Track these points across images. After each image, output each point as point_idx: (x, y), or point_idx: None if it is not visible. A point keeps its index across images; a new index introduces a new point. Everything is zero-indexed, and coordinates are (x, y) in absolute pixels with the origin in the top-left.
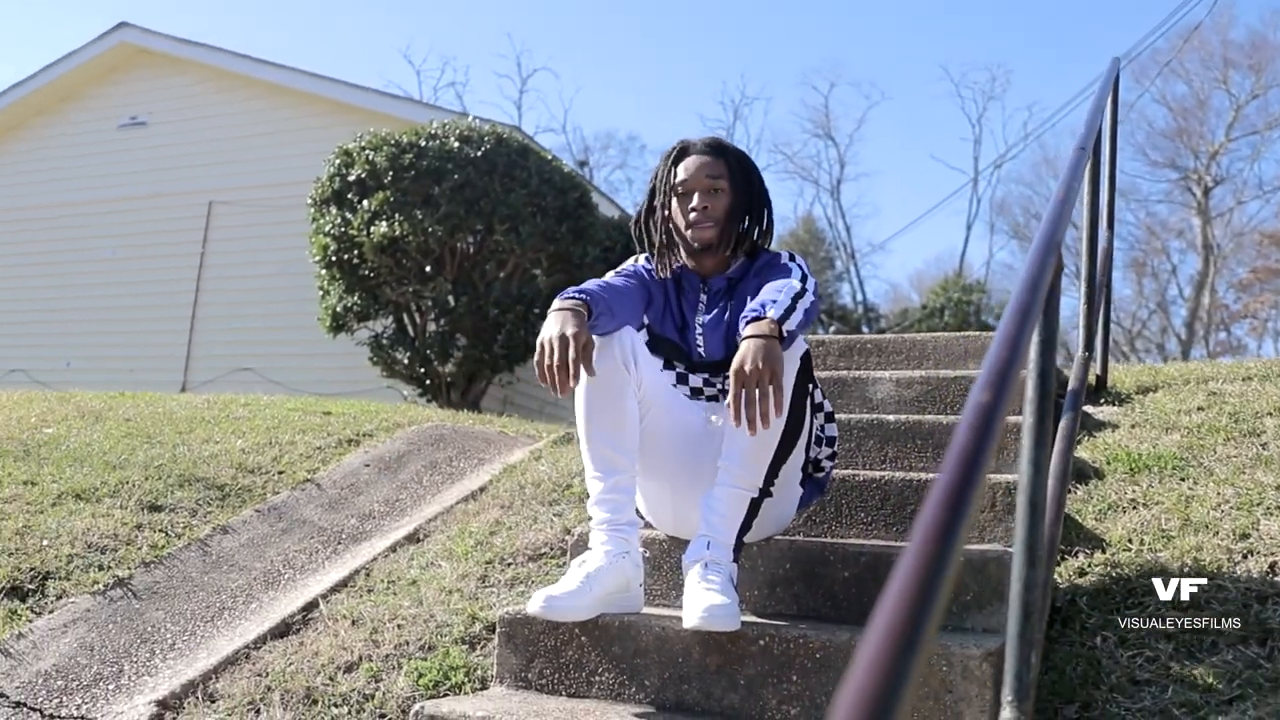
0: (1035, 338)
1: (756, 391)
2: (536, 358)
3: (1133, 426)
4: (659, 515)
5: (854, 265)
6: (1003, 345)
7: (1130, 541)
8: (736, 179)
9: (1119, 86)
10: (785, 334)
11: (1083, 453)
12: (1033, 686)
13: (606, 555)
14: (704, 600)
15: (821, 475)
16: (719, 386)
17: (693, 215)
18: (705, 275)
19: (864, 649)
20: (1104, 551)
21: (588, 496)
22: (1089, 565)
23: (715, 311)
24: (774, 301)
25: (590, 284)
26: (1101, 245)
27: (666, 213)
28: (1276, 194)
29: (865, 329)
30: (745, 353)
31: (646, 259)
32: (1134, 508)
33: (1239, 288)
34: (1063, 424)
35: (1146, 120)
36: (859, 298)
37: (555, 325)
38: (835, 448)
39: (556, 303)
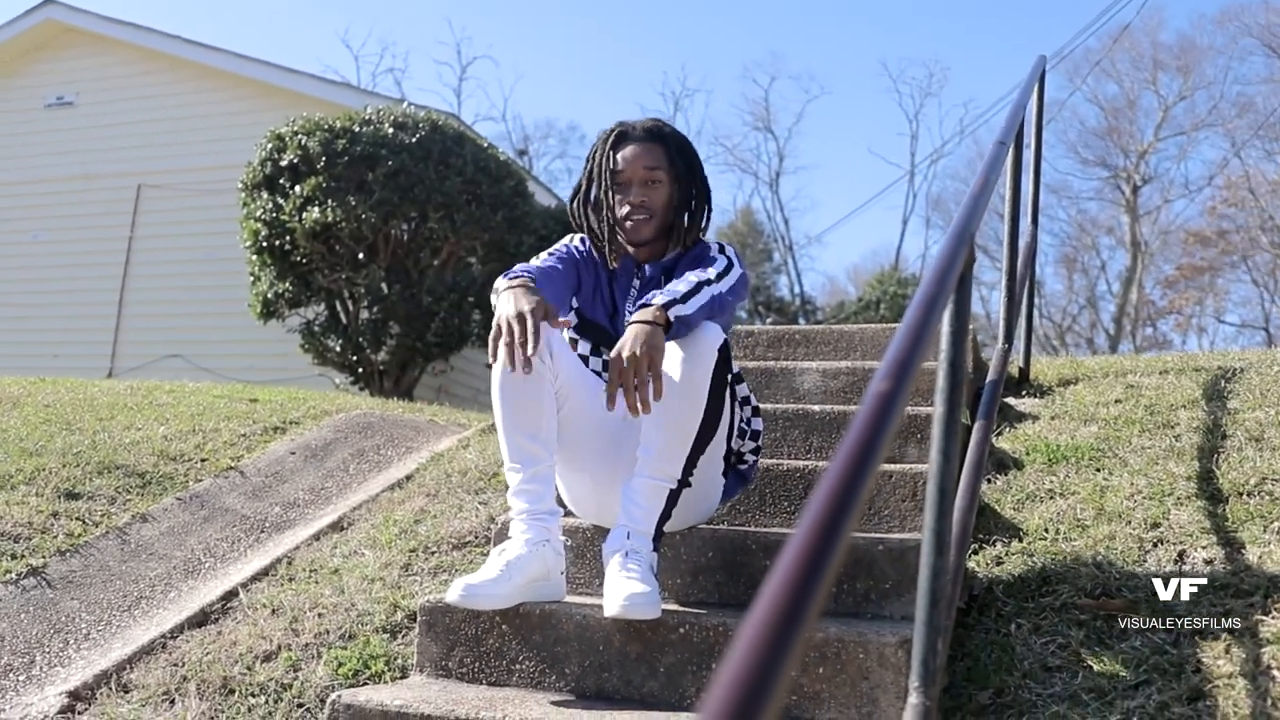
0: (946, 328)
1: (635, 379)
2: (494, 336)
3: (1053, 418)
4: (581, 504)
5: (791, 257)
6: (906, 335)
7: (1046, 531)
8: (677, 168)
9: (1044, 84)
10: (673, 319)
11: (1004, 443)
12: (940, 672)
13: (527, 544)
14: (624, 589)
15: (745, 467)
16: None
17: (628, 209)
18: (640, 261)
19: (742, 634)
20: (1021, 540)
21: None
22: (1006, 554)
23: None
24: (673, 290)
25: (526, 265)
26: (1024, 240)
27: (608, 200)
28: (1201, 193)
29: (802, 321)
30: (625, 339)
31: (581, 240)
32: (1051, 497)
33: (1165, 284)
34: (980, 413)
35: (1079, 118)
36: (796, 290)
37: (510, 304)
38: (760, 441)
39: (503, 282)
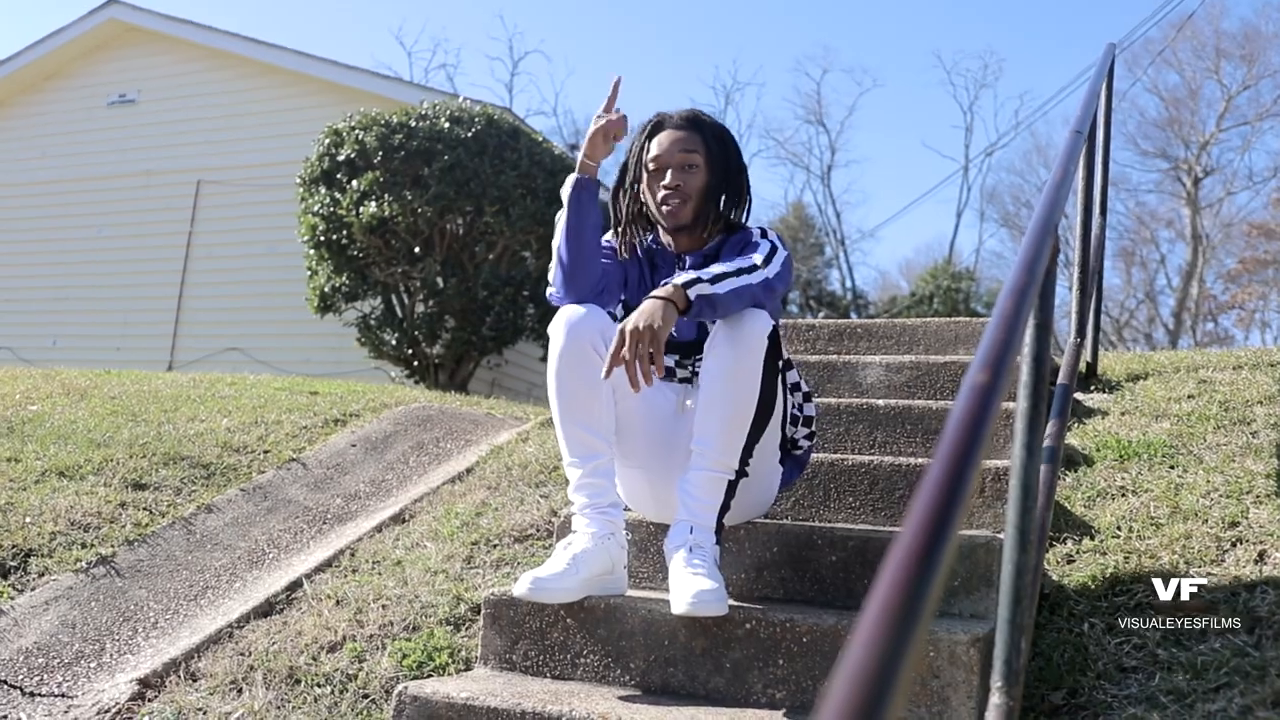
0: (1031, 321)
1: (637, 349)
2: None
3: (1123, 414)
4: (638, 501)
5: (843, 252)
6: (999, 326)
7: (1119, 529)
8: (713, 154)
9: (1114, 73)
10: (694, 298)
11: (1072, 439)
12: (1022, 672)
13: (592, 538)
14: (691, 585)
15: (800, 453)
16: (691, 368)
17: (665, 193)
18: (681, 252)
19: (859, 633)
20: (1092, 539)
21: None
22: (1077, 552)
23: None
24: (704, 271)
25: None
26: (1094, 232)
27: (638, 188)
28: (1266, 185)
29: (854, 315)
30: (636, 312)
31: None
32: (1123, 495)
33: (1227, 278)
34: (1054, 410)
35: (1138, 109)
36: (848, 284)
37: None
38: (813, 427)
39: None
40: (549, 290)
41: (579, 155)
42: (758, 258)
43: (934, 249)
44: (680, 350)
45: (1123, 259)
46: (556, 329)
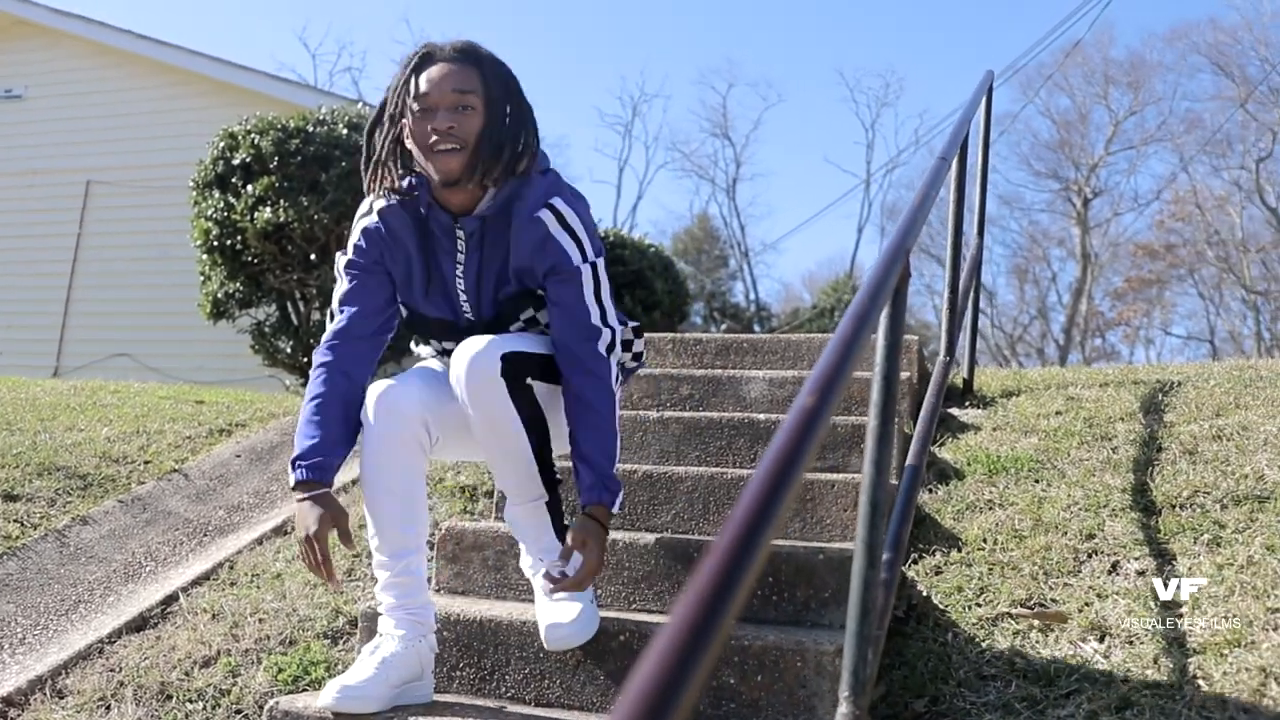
0: (881, 341)
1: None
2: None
3: (994, 429)
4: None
5: (747, 264)
6: (835, 350)
7: (985, 541)
8: (492, 93)
9: (992, 98)
10: (618, 505)
11: (946, 454)
12: (870, 683)
13: (401, 641)
14: (549, 617)
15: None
16: None
17: (435, 138)
18: (456, 214)
19: (657, 642)
20: (959, 550)
21: (460, 490)
22: (945, 564)
23: (473, 261)
24: (594, 473)
25: (305, 430)
26: (970, 253)
27: (402, 127)
28: (1149, 207)
29: (757, 327)
30: (591, 551)
31: (377, 214)
32: (990, 508)
33: (1114, 296)
34: (919, 425)
35: (1031, 131)
36: (751, 296)
37: (300, 523)
38: (643, 360)
39: (292, 480)
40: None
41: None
42: (604, 359)
43: (836, 262)
44: (479, 330)
45: (1017, 276)
46: (371, 404)
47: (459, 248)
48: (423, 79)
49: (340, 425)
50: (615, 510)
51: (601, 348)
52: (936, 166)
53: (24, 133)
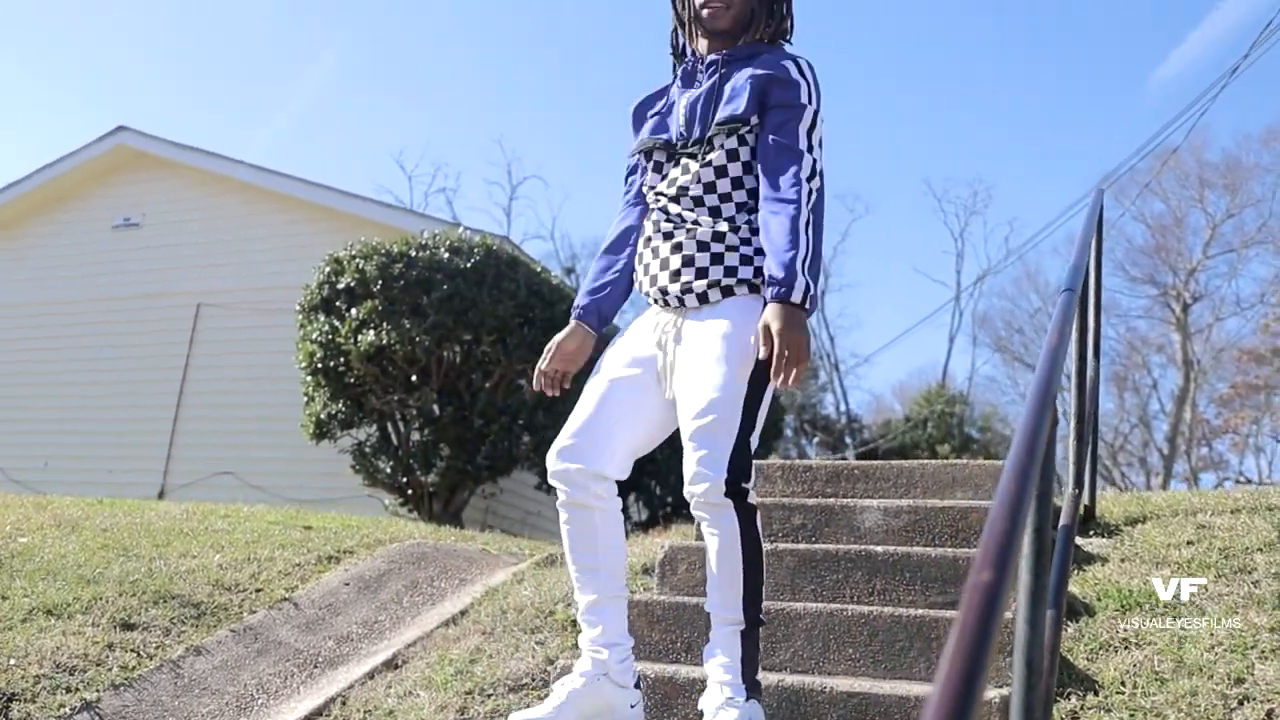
0: (1032, 494)
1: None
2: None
3: (1122, 560)
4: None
5: (838, 376)
6: (1002, 514)
7: (1124, 684)
8: None
9: (1103, 217)
10: (811, 299)
11: (1073, 587)
12: None
13: (582, 675)
14: None
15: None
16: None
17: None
18: (709, 53)
19: None
20: (1096, 694)
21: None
22: (1081, 708)
23: (706, 86)
24: (785, 271)
25: (587, 285)
26: (1089, 376)
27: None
28: (1253, 311)
29: (848, 439)
30: (792, 339)
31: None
32: (1126, 647)
33: (1220, 403)
34: (1054, 566)
35: (1125, 237)
36: (842, 408)
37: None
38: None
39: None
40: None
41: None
42: (801, 181)
43: (927, 372)
44: (686, 151)
45: (1115, 384)
46: (553, 471)
47: (698, 80)
48: None
49: (599, 274)
50: (796, 301)
51: (804, 174)
52: (1065, 300)
53: (139, 259)
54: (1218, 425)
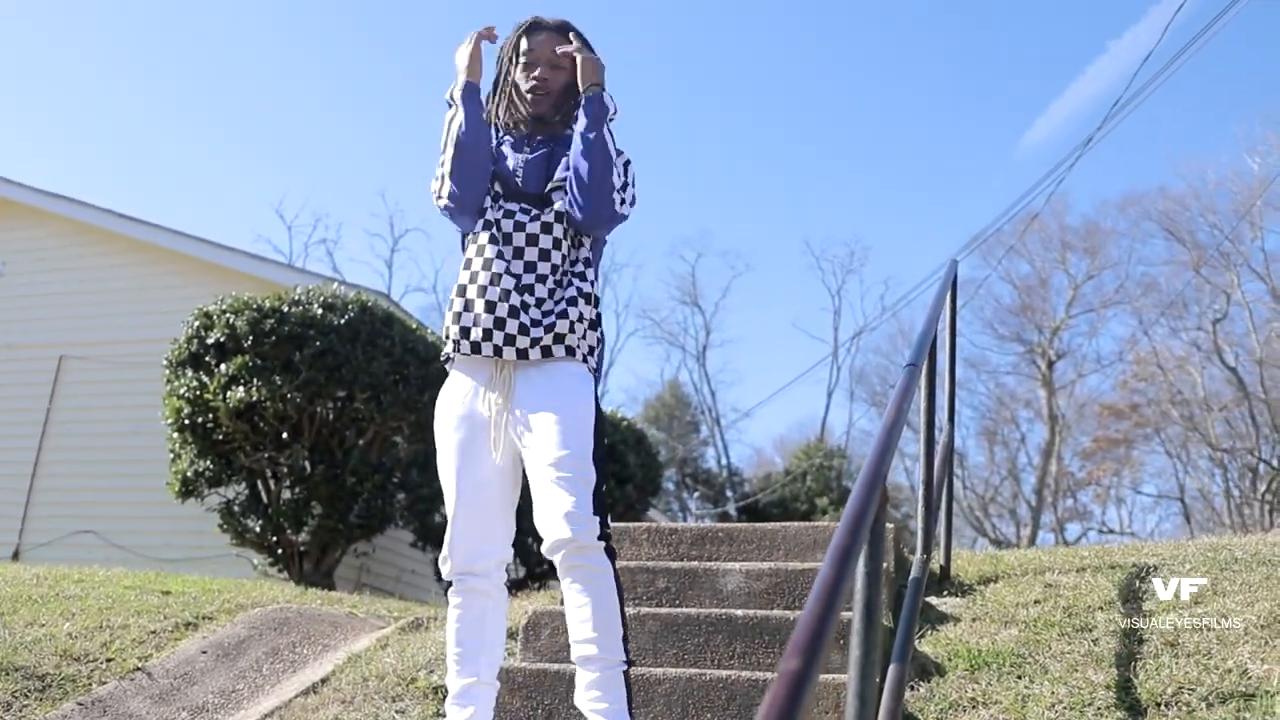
0: (861, 569)
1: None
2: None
3: (974, 620)
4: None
5: (719, 430)
6: (819, 599)
7: None
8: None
9: (956, 288)
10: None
11: (926, 647)
12: None
13: None
14: None
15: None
16: (530, 216)
17: (533, 84)
18: (531, 134)
19: None
20: None
21: (434, 690)
22: None
23: (538, 154)
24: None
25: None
26: (941, 441)
27: (510, 74)
28: (1113, 368)
29: (729, 493)
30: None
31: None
32: (974, 707)
33: (1083, 456)
34: (900, 622)
35: (994, 296)
36: (724, 462)
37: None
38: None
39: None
40: (439, 201)
41: (460, 73)
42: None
43: (806, 426)
44: (529, 200)
45: (986, 438)
46: (452, 575)
47: (525, 146)
48: (531, 40)
49: None
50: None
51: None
52: (907, 375)
53: (0, 308)
54: (1081, 478)
